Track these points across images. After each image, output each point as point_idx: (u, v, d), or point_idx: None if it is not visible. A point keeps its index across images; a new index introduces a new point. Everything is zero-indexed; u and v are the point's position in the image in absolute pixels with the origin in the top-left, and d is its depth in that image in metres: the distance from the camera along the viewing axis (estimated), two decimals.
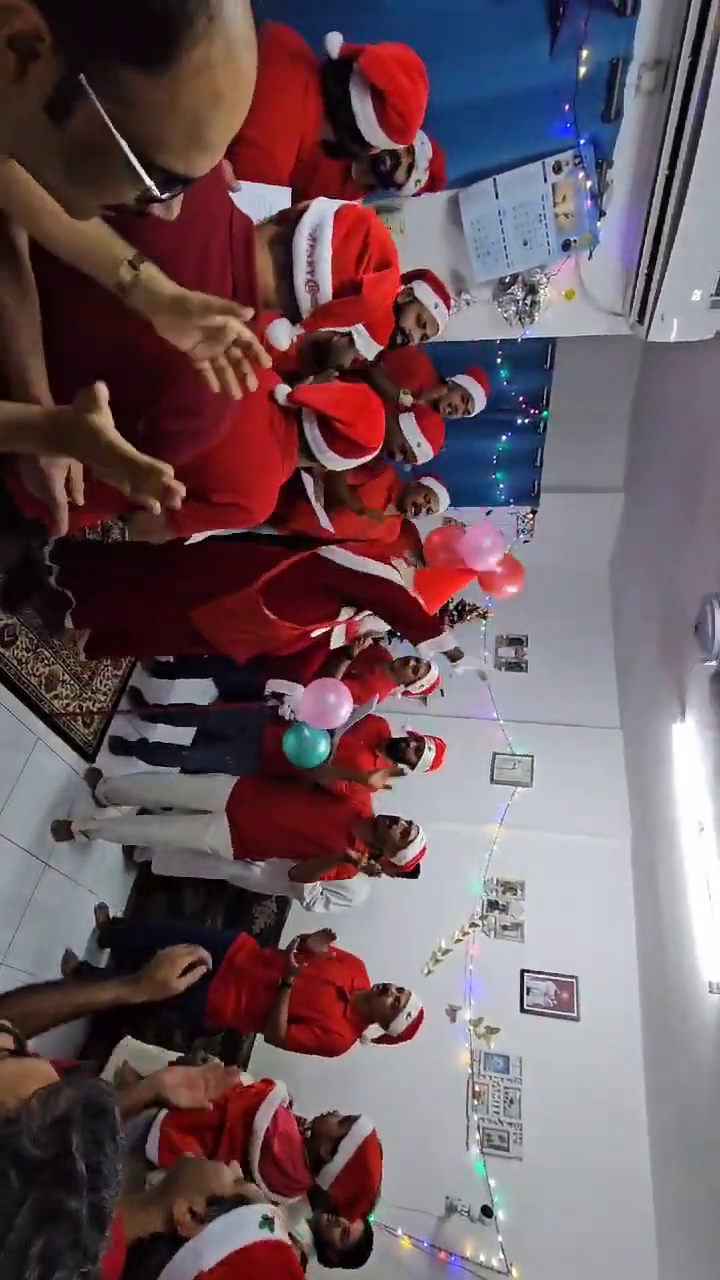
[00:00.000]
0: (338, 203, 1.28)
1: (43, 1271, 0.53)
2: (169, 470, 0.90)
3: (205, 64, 0.53)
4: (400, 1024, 2.56)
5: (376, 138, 1.89)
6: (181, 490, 0.91)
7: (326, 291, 1.25)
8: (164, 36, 0.51)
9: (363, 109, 1.84)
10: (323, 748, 2.65)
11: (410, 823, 2.84)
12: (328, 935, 2.62)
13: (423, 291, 2.52)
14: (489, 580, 3.24)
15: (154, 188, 0.59)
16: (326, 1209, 2.23)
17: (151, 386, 1.17)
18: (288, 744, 2.67)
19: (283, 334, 1.37)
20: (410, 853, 2.79)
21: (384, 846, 2.79)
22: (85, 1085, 0.62)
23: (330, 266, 1.23)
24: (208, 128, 0.57)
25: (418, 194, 2.35)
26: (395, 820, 2.83)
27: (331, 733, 2.72)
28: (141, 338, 1.04)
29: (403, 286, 2.51)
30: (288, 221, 1.25)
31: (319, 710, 2.53)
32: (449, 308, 2.61)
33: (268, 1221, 1.06)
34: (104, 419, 0.87)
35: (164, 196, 0.61)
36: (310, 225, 1.23)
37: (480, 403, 3.10)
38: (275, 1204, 1.92)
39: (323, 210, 1.25)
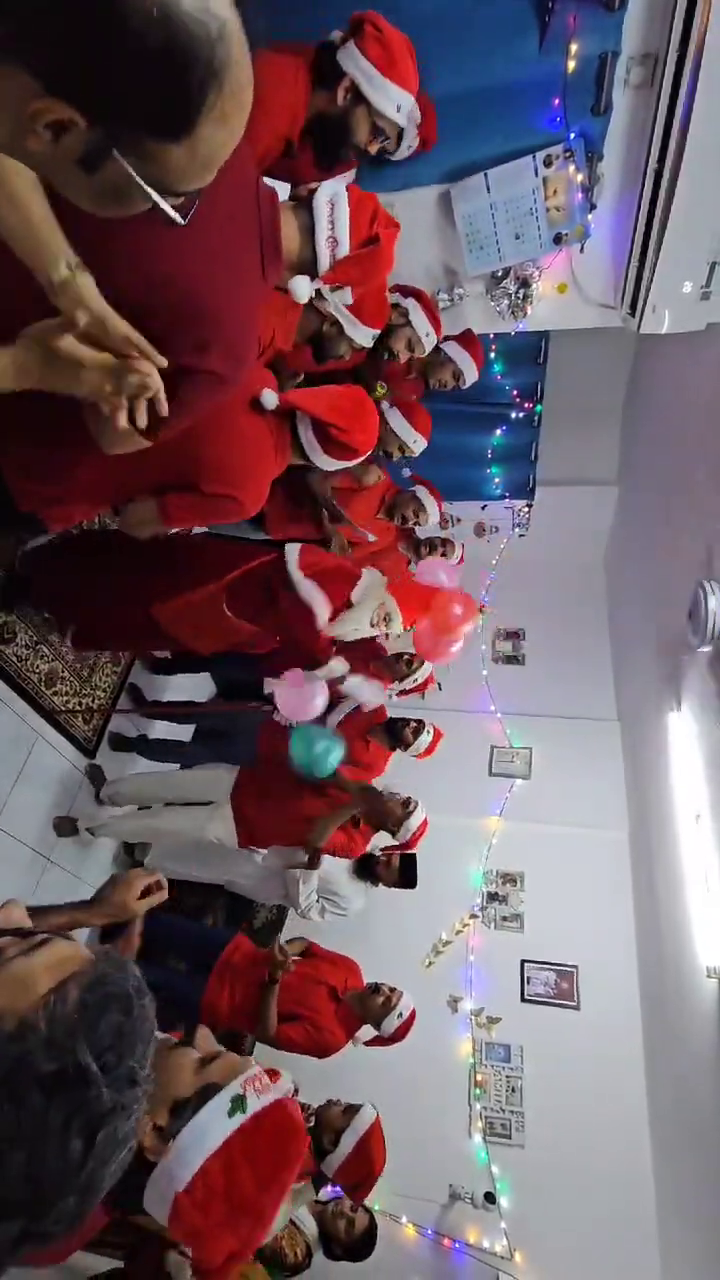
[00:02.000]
0: (340, 184, 1.47)
1: (85, 1140, 0.56)
2: (143, 346, 0.94)
3: (220, 119, 0.60)
4: (391, 1024, 2.56)
5: (358, 63, 1.89)
6: (158, 382, 0.96)
7: (345, 245, 1.43)
8: (185, 114, 0.58)
9: (345, 49, 1.89)
10: (335, 758, 2.53)
11: (409, 796, 2.85)
12: (302, 943, 2.67)
13: (417, 318, 2.52)
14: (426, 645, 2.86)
15: (178, 218, 0.67)
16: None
17: (175, 319, 1.16)
18: (295, 755, 2.56)
19: (303, 288, 1.49)
20: (413, 824, 2.80)
21: (387, 821, 2.80)
22: (94, 968, 0.63)
23: (349, 224, 1.42)
24: (218, 156, 0.65)
25: (411, 157, 2.34)
26: (394, 795, 2.86)
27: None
28: (168, 269, 1.06)
29: (396, 302, 2.52)
30: (302, 198, 1.43)
31: (296, 703, 2.49)
32: (439, 333, 2.62)
33: (238, 1103, 0.97)
34: (71, 340, 0.90)
35: (184, 222, 0.69)
36: (328, 193, 1.43)
37: (472, 375, 2.95)
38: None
39: (333, 184, 1.44)
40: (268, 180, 1.75)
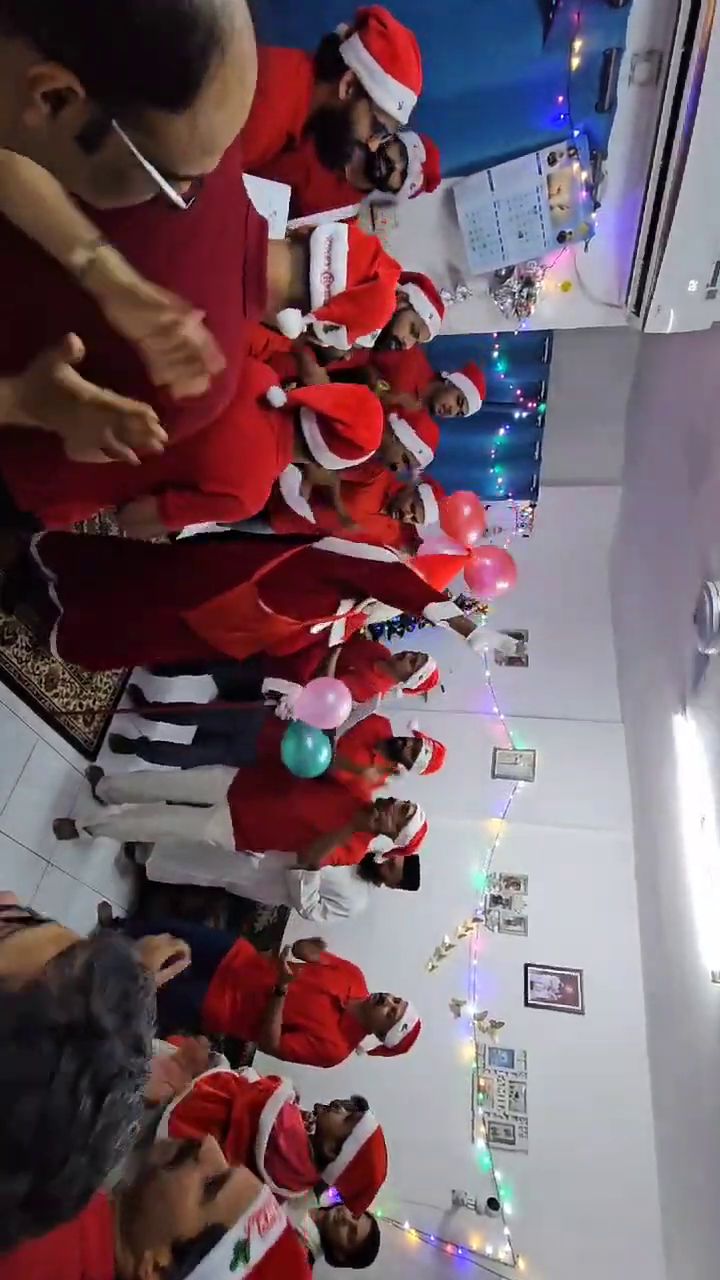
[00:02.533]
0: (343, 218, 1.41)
1: (95, 1100, 0.56)
2: (148, 410, 0.91)
3: (222, 94, 0.58)
4: (396, 1036, 2.54)
5: (360, 57, 1.87)
6: (162, 434, 0.92)
7: (342, 282, 1.35)
8: (185, 81, 0.57)
9: (349, 43, 1.87)
10: (324, 757, 2.60)
11: (408, 801, 2.84)
12: (319, 944, 2.61)
13: (419, 301, 2.50)
14: (476, 576, 3.07)
15: (179, 201, 0.66)
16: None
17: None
18: (286, 752, 2.62)
19: (293, 322, 1.42)
20: (412, 829, 2.78)
21: (386, 827, 2.79)
22: (98, 941, 0.64)
23: (346, 260, 1.35)
24: (220, 138, 0.64)
25: (414, 196, 2.36)
26: (392, 800, 2.84)
27: (331, 737, 2.70)
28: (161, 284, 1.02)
29: (398, 288, 2.50)
30: (301, 235, 1.37)
31: (319, 710, 2.51)
32: (442, 315, 2.60)
33: (241, 1252, 0.92)
34: (71, 373, 0.86)
35: (185, 205, 0.67)
36: (328, 230, 1.36)
37: (475, 404, 3.07)
38: (281, 1199, 1.94)
39: (333, 224, 1.38)
40: (270, 182, 1.75)
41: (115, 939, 0.66)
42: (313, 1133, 2.12)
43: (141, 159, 0.60)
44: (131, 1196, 0.96)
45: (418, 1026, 2.58)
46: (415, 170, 2.28)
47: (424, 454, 2.90)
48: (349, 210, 2.40)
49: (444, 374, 3.06)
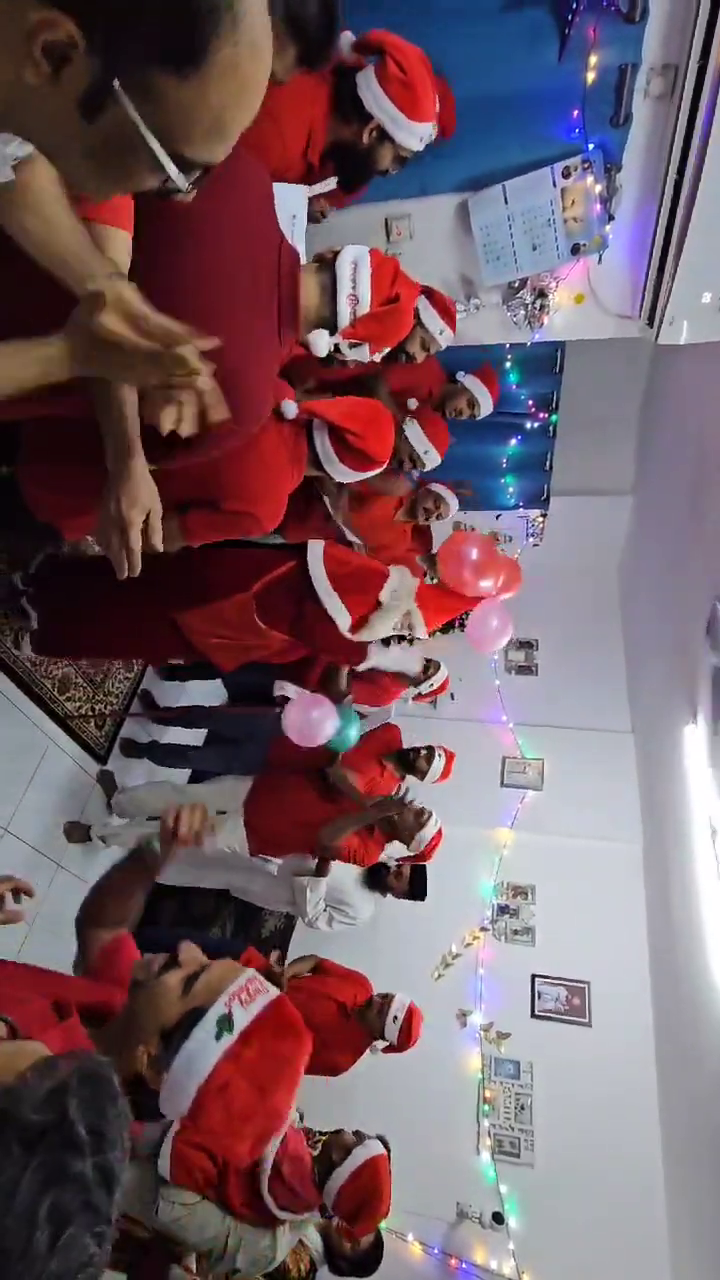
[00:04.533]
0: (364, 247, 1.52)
1: (54, 1231, 0.52)
2: (189, 345, 0.86)
3: (232, 63, 0.55)
4: (392, 1031, 2.53)
5: (382, 107, 1.89)
6: (203, 368, 0.88)
7: (366, 303, 1.47)
8: (194, 41, 0.53)
9: (365, 80, 1.89)
10: (352, 733, 2.64)
11: (423, 807, 2.85)
12: (310, 959, 2.64)
13: (428, 316, 2.51)
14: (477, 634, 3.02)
15: (180, 180, 0.61)
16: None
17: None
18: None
19: (321, 342, 1.52)
20: (427, 834, 2.79)
21: (401, 833, 2.80)
22: (81, 1056, 0.63)
23: (370, 283, 1.46)
24: (230, 120, 0.60)
25: (433, 144, 2.35)
26: (409, 804, 2.84)
27: (362, 717, 2.71)
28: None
29: None
30: (326, 259, 1.48)
31: (303, 726, 2.51)
32: (454, 328, 2.62)
33: (224, 1024, 0.95)
34: (111, 318, 0.84)
35: (187, 187, 0.63)
36: (352, 254, 1.47)
37: (487, 406, 3.06)
38: (285, 1220, 1.92)
39: (357, 247, 1.49)
40: (288, 185, 1.77)
41: (96, 1059, 0.63)
42: (317, 1152, 2.11)
43: (142, 125, 0.56)
44: (124, 1020, 1.01)
45: (411, 1014, 2.57)
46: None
47: (430, 455, 2.89)
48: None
49: (458, 375, 3.05)
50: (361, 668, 2.51)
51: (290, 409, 1.77)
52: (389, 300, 1.49)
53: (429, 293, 2.55)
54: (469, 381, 3.01)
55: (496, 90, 2.34)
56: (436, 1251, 3.07)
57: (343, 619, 2.19)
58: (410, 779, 3.17)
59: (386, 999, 2.58)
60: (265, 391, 1.37)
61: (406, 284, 1.54)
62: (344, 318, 1.47)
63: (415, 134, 1.94)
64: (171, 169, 0.60)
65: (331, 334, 1.48)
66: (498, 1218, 3.08)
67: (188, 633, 2.26)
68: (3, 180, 0.81)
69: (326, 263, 1.47)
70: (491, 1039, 3.53)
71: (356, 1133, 2.16)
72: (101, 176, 0.64)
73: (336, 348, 1.51)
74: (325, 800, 2.89)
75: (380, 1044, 2.60)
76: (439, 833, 2.83)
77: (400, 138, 1.93)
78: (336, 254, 1.48)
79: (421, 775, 3.09)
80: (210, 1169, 1.84)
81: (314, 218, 2.39)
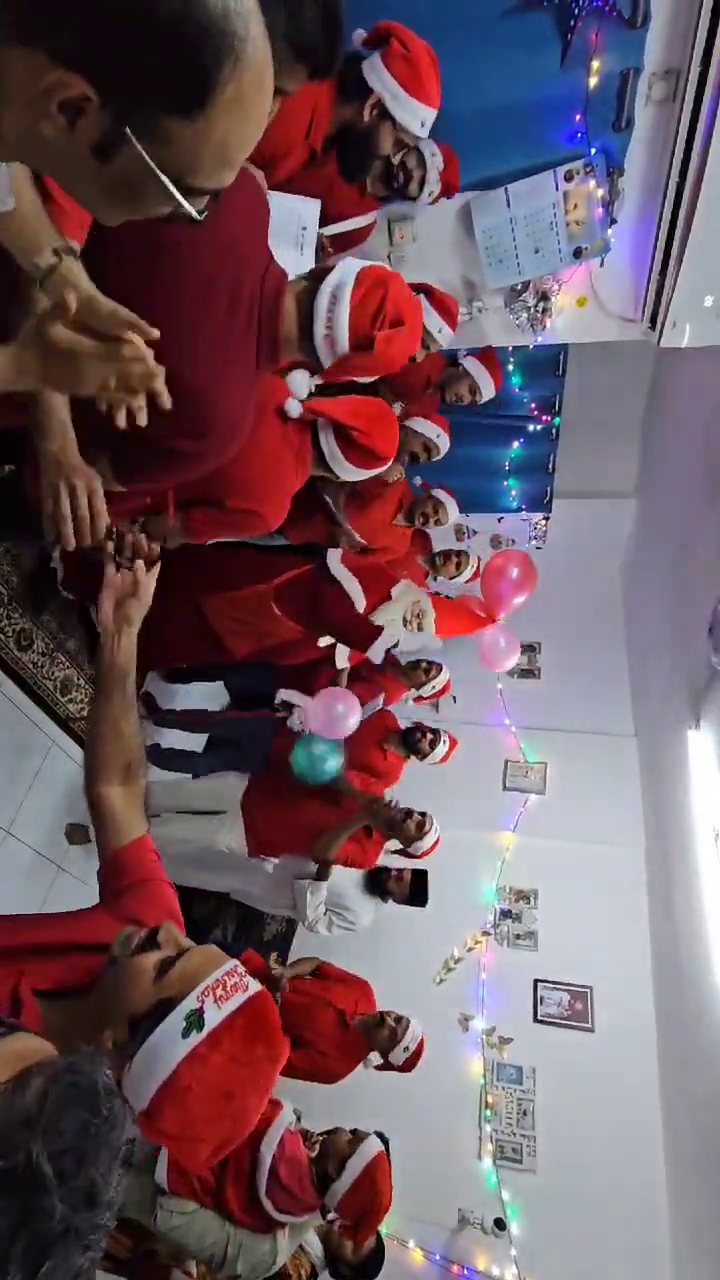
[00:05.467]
0: (362, 263, 1.38)
1: (32, 1263, 0.49)
2: (145, 351, 0.87)
3: (236, 99, 0.58)
4: (398, 1057, 2.52)
5: (384, 81, 1.88)
6: (159, 372, 0.90)
7: (343, 345, 1.33)
8: (199, 87, 0.56)
9: (370, 61, 1.89)
10: (332, 765, 2.61)
11: (425, 814, 2.83)
12: (310, 961, 2.61)
13: (429, 318, 2.51)
14: (494, 591, 3.33)
15: (192, 211, 0.65)
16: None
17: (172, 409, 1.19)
18: (296, 761, 2.63)
19: (301, 383, 1.48)
20: (426, 843, 2.78)
21: (400, 838, 2.79)
22: (60, 1064, 0.58)
23: (347, 323, 1.32)
24: (235, 147, 0.63)
25: (433, 203, 2.38)
26: (410, 813, 2.83)
27: (342, 745, 2.71)
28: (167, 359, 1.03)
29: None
30: (315, 278, 1.35)
31: (328, 720, 2.53)
32: (454, 326, 2.61)
33: (194, 1021, 0.88)
34: (65, 329, 0.84)
35: (199, 217, 0.66)
36: (333, 284, 1.33)
37: (489, 391, 2.98)
38: (284, 1224, 1.91)
39: (347, 269, 1.35)
40: (299, 198, 1.77)
41: (84, 1057, 0.59)
42: (315, 1154, 2.09)
43: (155, 168, 0.59)
44: (94, 987, 0.96)
45: (420, 1046, 2.55)
46: (434, 178, 2.30)
47: (441, 438, 2.89)
48: (369, 218, 2.42)
49: (459, 358, 3.00)
50: (376, 656, 2.47)
51: (294, 408, 1.77)
52: (368, 340, 1.33)
53: (429, 291, 2.55)
54: (470, 365, 2.94)
55: (499, 96, 2.35)
56: (438, 1258, 3.05)
57: (359, 599, 2.27)
58: (401, 793, 3.17)
59: (401, 1025, 2.54)
60: (239, 414, 1.31)
61: (397, 310, 1.35)
62: (323, 359, 1.35)
63: (415, 114, 1.92)
64: (182, 200, 0.63)
65: (313, 375, 1.39)
66: (499, 1224, 3.06)
67: (209, 613, 2.32)
68: (5, 209, 0.82)
69: (310, 289, 1.33)
70: (493, 1044, 3.51)
71: (354, 1131, 2.14)
72: (113, 205, 0.67)
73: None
74: (323, 801, 2.89)
75: (374, 1059, 2.58)
76: (438, 840, 2.83)
77: (400, 115, 1.91)
78: (327, 272, 1.35)
79: (422, 756, 3.06)
80: (208, 1177, 1.83)
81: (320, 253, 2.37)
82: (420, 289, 2.55)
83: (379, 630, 2.40)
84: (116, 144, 0.58)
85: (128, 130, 0.57)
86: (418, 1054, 2.55)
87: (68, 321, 0.84)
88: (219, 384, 1.23)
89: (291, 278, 1.36)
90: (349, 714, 2.54)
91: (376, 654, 2.45)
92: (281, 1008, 2.42)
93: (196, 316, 1.20)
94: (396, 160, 2.22)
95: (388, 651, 3.39)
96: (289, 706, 2.95)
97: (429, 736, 3.07)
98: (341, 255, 2.15)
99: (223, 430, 1.28)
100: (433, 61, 1.92)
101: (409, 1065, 2.55)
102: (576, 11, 2.14)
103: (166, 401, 0.94)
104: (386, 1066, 2.57)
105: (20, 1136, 0.51)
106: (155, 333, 0.89)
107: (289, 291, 1.33)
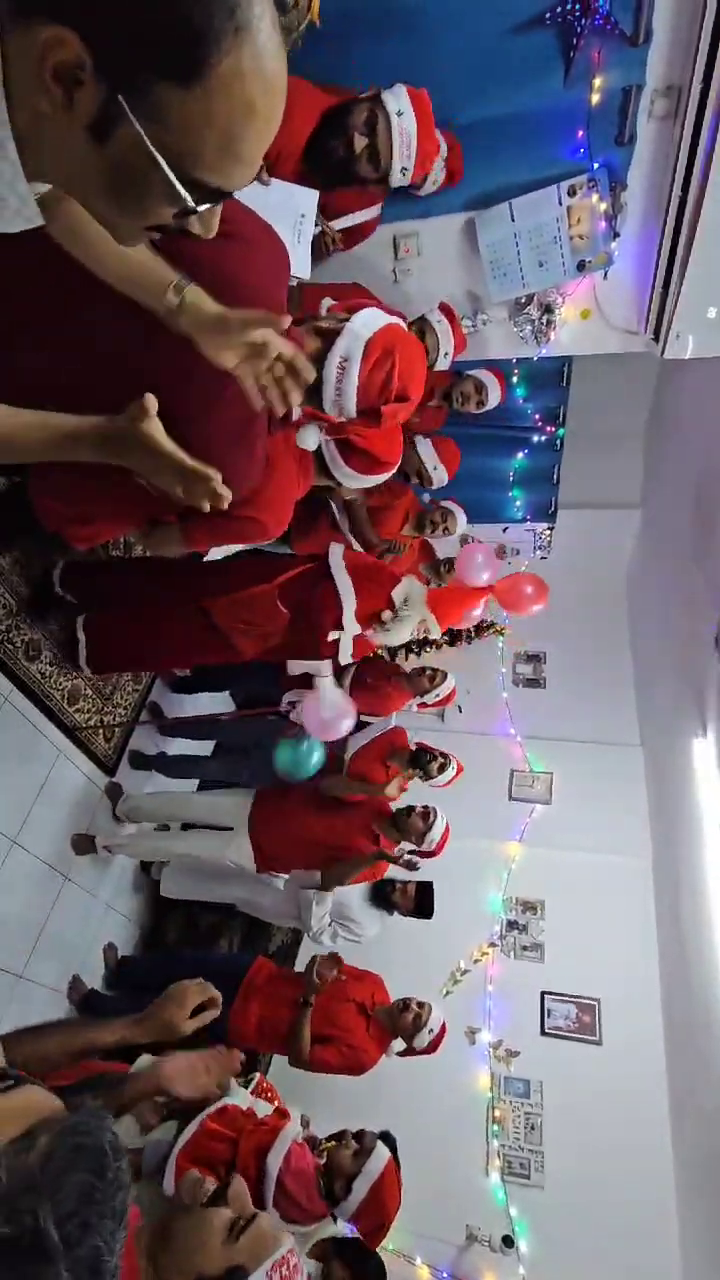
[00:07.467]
0: (373, 327, 1.37)
1: None
2: (217, 475, 0.97)
3: (236, 74, 0.55)
4: (424, 1040, 2.55)
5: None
6: (229, 494, 0.99)
7: (350, 411, 1.38)
8: (196, 49, 0.53)
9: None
10: (317, 758, 2.66)
11: (428, 807, 2.84)
12: (335, 960, 2.59)
13: (445, 340, 2.55)
14: (511, 599, 3.30)
15: (190, 200, 0.61)
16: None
17: (187, 418, 1.19)
18: (281, 758, 2.67)
19: (310, 437, 1.50)
20: (435, 834, 2.79)
21: (409, 836, 2.80)
22: (67, 1121, 0.56)
23: (355, 394, 1.36)
24: (241, 139, 0.59)
25: (437, 192, 2.39)
26: (413, 809, 2.84)
27: (328, 743, 2.73)
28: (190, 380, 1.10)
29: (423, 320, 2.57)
30: (325, 338, 1.35)
31: (322, 721, 2.54)
32: (458, 331, 2.62)
33: None
34: (155, 427, 0.92)
35: (200, 209, 0.64)
36: (343, 350, 1.34)
37: (495, 395, 3.02)
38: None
39: (356, 336, 1.34)
40: (297, 186, 1.80)
41: (89, 1114, 0.57)
42: (321, 1166, 2.07)
43: (146, 139, 0.56)
44: (161, 1228, 0.97)
45: (443, 1029, 2.59)
46: (438, 166, 2.30)
47: (438, 472, 2.91)
48: (374, 211, 2.42)
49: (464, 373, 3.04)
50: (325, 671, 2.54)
51: (295, 412, 1.78)
52: (374, 411, 1.34)
53: (450, 314, 2.58)
54: (475, 372, 3.00)
55: (503, 112, 2.38)
56: (445, 1276, 3.01)
57: (349, 600, 2.30)
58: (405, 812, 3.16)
59: (424, 1008, 2.59)
60: (247, 468, 1.35)
61: (408, 370, 1.35)
62: (329, 412, 1.38)
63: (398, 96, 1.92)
64: (179, 187, 0.59)
65: (321, 429, 1.43)
66: (508, 1241, 3.02)
67: (216, 617, 2.36)
68: (36, 223, 0.85)
69: (321, 350, 1.32)
70: (501, 1057, 3.48)
71: (360, 1137, 2.12)
72: (121, 210, 0.65)
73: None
74: (330, 815, 2.89)
75: (397, 1046, 2.59)
76: (447, 829, 2.84)
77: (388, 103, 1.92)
78: (337, 335, 1.33)
79: (427, 778, 3.08)
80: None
81: (322, 252, 2.37)
82: (444, 311, 2.58)
83: (329, 651, 2.42)
84: (113, 119, 0.56)
85: (121, 100, 0.55)
86: (441, 1035, 2.59)
87: (151, 419, 0.91)
88: (228, 448, 1.26)
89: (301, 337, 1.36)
90: (342, 716, 2.56)
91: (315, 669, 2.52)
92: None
93: (210, 400, 1.23)
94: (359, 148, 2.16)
95: (392, 658, 3.41)
96: (294, 705, 2.96)
97: (439, 761, 3.08)
98: (354, 292, 2.19)
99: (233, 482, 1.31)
100: (428, 114, 1.96)
101: (434, 1047, 2.58)
102: (579, 29, 2.17)
103: (226, 497, 1.03)
104: (410, 1052, 2.60)
105: (25, 1201, 0.49)
106: (287, 320, 1.01)
107: (305, 336, 1.36)
